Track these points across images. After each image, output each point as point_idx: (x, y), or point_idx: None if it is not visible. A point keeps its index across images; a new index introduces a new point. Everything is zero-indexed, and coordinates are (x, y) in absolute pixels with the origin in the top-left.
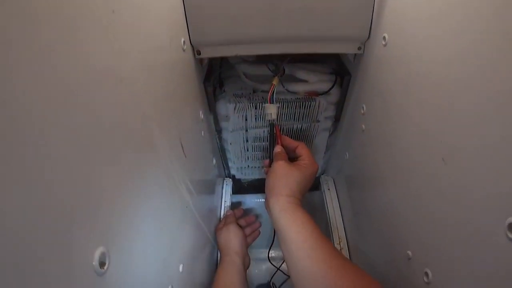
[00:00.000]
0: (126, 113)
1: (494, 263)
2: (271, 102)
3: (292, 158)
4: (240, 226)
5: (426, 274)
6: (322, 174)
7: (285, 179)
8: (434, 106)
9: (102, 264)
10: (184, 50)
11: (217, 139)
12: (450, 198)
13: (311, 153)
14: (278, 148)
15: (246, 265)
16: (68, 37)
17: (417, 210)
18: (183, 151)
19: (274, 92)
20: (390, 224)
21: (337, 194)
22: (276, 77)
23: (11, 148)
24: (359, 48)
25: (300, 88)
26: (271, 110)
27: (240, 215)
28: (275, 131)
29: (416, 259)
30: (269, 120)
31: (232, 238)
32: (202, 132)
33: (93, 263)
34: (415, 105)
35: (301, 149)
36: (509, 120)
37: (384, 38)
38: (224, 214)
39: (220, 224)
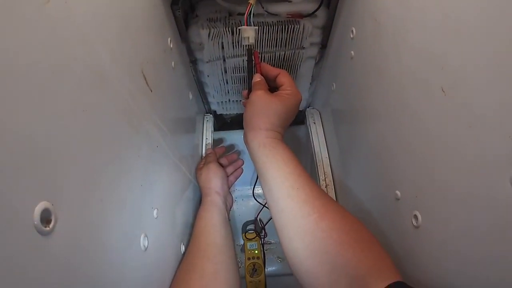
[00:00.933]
0: (58, 40)
1: (493, 211)
2: (248, 24)
3: (273, 88)
4: (222, 165)
5: (415, 217)
6: (308, 107)
7: (264, 111)
8: (435, 24)
9: (47, 221)
10: None
11: (193, 71)
12: (448, 134)
13: (294, 82)
14: (257, 77)
15: (228, 205)
16: None
17: (409, 147)
18: (147, 84)
19: (252, 13)
20: (379, 161)
21: (323, 128)
22: None
23: None
24: None
25: (282, 8)
26: (248, 34)
27: (221, 153)
28: (253, 58)
29: (405, 200)
30: (246, 45)
31: (212, 177)
32: (173, 63)
33: (34, 221)
34: (412, 24)
35: (283, 77)
36: None
37: None
38: (206, 152)
39: (200, 164)
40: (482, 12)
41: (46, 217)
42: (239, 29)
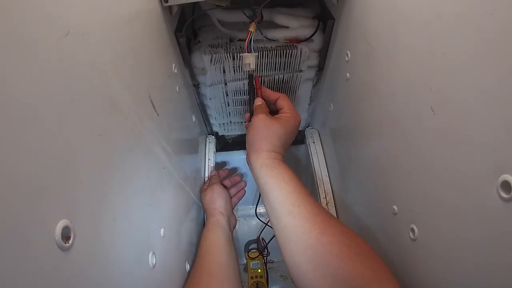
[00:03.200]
0: (76, 71)
1: (484, 222)
2: (249, 51)
3: (273, 111)
4: (225, 187)
5: (412, 230)
6: (307, 127)
7: (265, 133)
8: (422, 49)
9: (66, 238)
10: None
11: (195, 94)
12: (438, 151)
13: (293, 105)
14: (258, 101)
15: (232, 225)
16: None
17: (402, 164)
18: (154, 109)
19: (252, 40)
20: (376, 178)
21: (322, 147)
22: (253, 23)
23: None
24: None
25: (280, 34)
26: (249, 60)
27: (224, 175)
28: (254, 83)
29: (402, 214)
30: (248, 71)
31: (216, 198)
32: (177, 87)
33: (56, 237)
34: (402, 49)
35: (282, 101)
36: (505, 65)
37: None
38: (208, 173)
39: (204, 185)
40: (468, 37)
41: (66, 234)
42: (241, 56)
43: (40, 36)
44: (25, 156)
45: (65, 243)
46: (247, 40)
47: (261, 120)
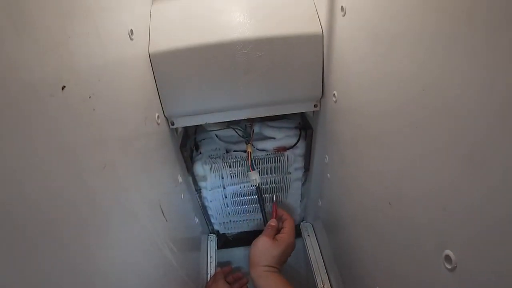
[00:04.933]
0: (109, 190)
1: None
2: (253, 169)
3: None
4: (228, 283)
5: None
6: (302, 221)
7: (263, 253)
8: (375, 155)
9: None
10: (158, 124)
11: (198, 198)
12: (396, 235)
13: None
14: (272, 222)
15: None
16: (55, 135)
17: (376, 247)
18: (164, 216)
19: (253, 159)
20: (359, 261)
21: (316, 239)
22: (249, 144)
23: None
24: (315, 106)
25: (268, 145)
26: (255, 176)
27: (228, 272)
28: (272, 209)
29: None
30: (255, 186)
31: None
32: (182, 194)
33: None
34: (361, 155)
35: (286, 223)
36: (436, 167)
37: (334, 95)
38: (210, 269)
39: (209, 282)
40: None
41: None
42: (248, 174)
43: (89, 170)
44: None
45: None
46: (249, 161)
47: (262, 242)
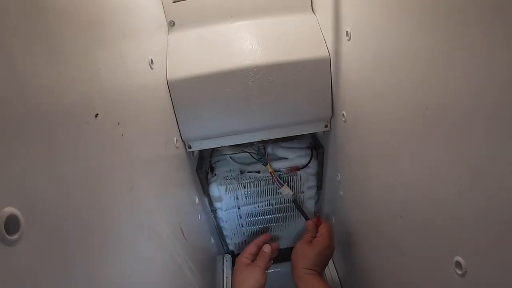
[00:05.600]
0: (135, 210)
1: None
2: (281, 184)
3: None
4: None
5: None
6: None
7: (300, 257)
8: (385, 171)
9: None
10: (177, 147)
11: (213, 218)
12: (410, 247)
13: (330, 231)
14: (308, 225)
15: None
16: (90, 159)
17: (389, 259)
18: (184, 236)
19: (277, 176)
20: (373, 275)
21: (333, 260)
22: (268, 165)
23: None
24: (326, 126)
25: (282, 165)
26: (287, 191)
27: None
28: (315, 219)
29: None
30: (290, 199)
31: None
32: (199, 215)
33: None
34: (372, 171)
35: (322, 228)
36: (442, 178)
37: (343, 115)
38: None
39: (246, 258)
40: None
41: None
42: (279, 191)
43: (119, 191)
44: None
45: None
46: (275, 180)
47: (299, 246)
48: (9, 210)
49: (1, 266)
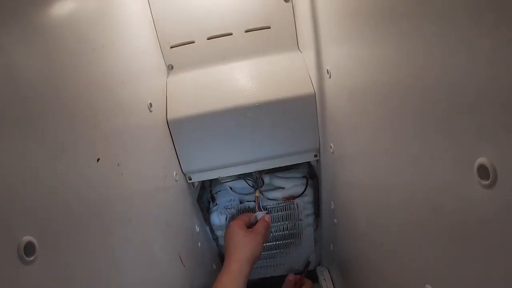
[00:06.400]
0: (133, 241)
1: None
2: (260, 209)
3: None
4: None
5: None
6: (318, 265)
7: None
8: (369, 202)
9: None
10: (176, 180)
11: (216, 246)
12: (390, 275)
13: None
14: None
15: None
16: (91, 198)
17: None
18: (182, 262)
19: (260, 202)
20: None
21: (333, 283)
22: (257, 191)
23: None
24: (316, 156)
25: (278, 194)
26: (261, 215)
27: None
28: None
29: None
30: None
31: (255, 248)
32: (199, 243)
33: None
34: (357, 201)
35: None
36: (411, 211)
37: (331, 147)
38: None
39: (244, 220)
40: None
41: None
42: (256, 214)
43: (118, 224)
44: None
45: None
46: (256, 204)
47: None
48: (27, 238)
49: (21, 281)
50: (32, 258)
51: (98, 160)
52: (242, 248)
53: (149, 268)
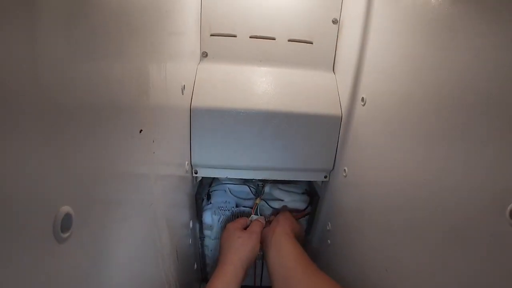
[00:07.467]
0: (149, 228)
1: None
2: (255, 214)
3: None
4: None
5: None
6: None
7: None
8: (378, 228)
9: None
10: (186, 171)
11: (200, 245)
12: None
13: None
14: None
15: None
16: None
17: None
18: (177, 257)
19: (258, 208)
20: None
21: None
22: (259, 198)
23: None
24: (325, 177)
25: (276, 205)
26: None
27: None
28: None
29: None
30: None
31: (250, 251)
32: (190, 239)
33: None
34: (366, 226)
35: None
36: (430, 232)
37: (344, 170)
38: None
39: (238, 223)
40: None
41: None
42: (251, 218)
43: (140, 207)
44: None
45: None
46: (253, 209)
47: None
48: (65, 209)
49: (53, 261)
50: (67, 235)
51: (140, 131)
52: (237, 250)
53: (151, 264)
